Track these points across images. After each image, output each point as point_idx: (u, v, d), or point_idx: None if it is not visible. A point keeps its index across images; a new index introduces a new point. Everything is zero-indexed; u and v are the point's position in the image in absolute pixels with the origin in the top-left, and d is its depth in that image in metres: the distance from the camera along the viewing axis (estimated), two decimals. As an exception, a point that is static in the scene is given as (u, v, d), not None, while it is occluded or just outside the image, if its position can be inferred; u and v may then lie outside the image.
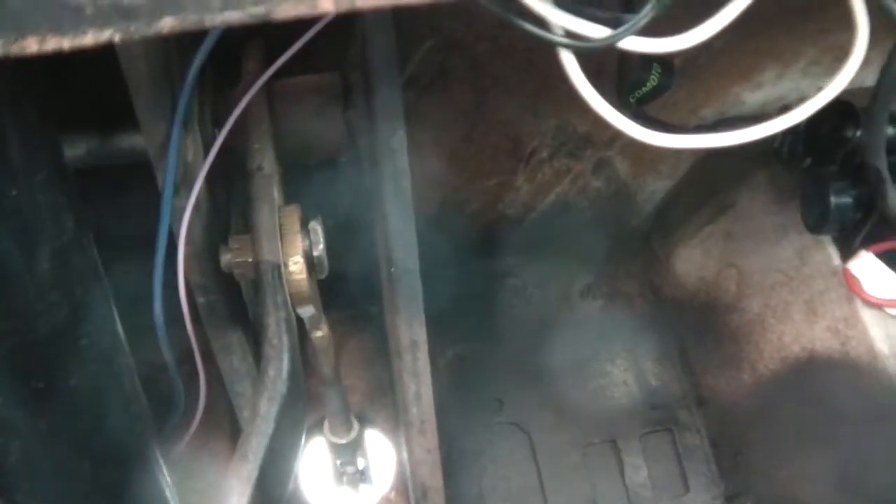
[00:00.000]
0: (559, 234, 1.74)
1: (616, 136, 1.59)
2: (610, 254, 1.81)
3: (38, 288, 0.85)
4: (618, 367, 1.72)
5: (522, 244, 1.74)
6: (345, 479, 1.54)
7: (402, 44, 1.37)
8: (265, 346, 0.88)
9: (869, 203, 1.35)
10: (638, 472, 1.62)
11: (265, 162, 1.04)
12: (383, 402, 1.57)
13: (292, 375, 0.88)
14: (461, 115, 1.47)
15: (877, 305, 1.37)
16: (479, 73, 1.42)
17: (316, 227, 1.01)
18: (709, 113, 1.55)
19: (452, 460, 1.55)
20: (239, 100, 1.08)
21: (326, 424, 1.41)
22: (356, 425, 1.43)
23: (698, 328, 1.68)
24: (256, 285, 0.97)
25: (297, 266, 0.98)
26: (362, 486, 1.57)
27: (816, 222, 1.40)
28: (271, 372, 0.86)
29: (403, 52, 1.39)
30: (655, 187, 1.71)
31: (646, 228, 1.79)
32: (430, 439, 1.21)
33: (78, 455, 0.95)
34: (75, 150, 1.07)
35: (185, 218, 0.95)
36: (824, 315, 1.44)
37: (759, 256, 1.56)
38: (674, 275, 1.74)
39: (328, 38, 1.13)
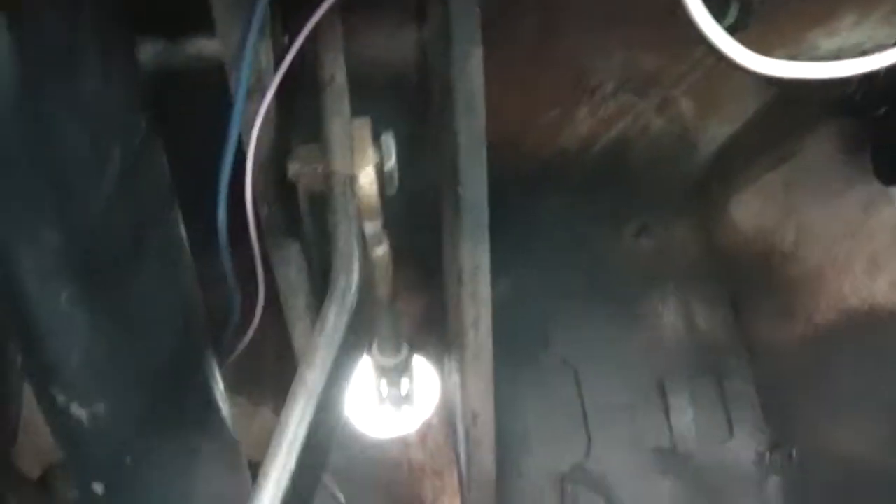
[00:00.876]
0: (617, 172, 1.71)
1: (684, 75, 1.55)
2: (667, 196, 1.77)
3: (108, 185, 0.84)
4: (668, 309, 1.70)
5: (578, 181, 1.71)
6: (388, 399, 1.54)
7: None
8: (335, 256, 0.87)
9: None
10: (683, 415, 1.60)
11: (338, 73, 1.02)
12: (431, 329, 1.56)
13: (361, 290, 0.87)
14: (527, 43, 1.44)
15: (943, 261, 1.35)
16: (547, 2, 1.39)
17: (388, 140, 0.99)
18: (781, 57, 1.51)
19: (497, 394, 1.54)
20: (314, 7, 1.06)
21: (375, 345, 1.41)
22: (405, 348, 1.42)
23: (753, 276, 1.66)
24: (322, 197, 0.96)
25: (367, 179, 0.96)
26: (405, 408, 1.57)
27: (890, 173, 1.37)
28: (342, 283, 0.85)
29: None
30: (718, 131, 1.67)
31: (705, 173, 1.75)
32: (485, 366, 1.20)
33: (138, 360, 0.94)
34: (144, 52, 1.06)
35: (255, 125, 0.94)
36: (887, 269, 1.41)
37: (822, 207, 1.54)
38: (731, 221, 1.71)
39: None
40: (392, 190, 1.02)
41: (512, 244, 1.68)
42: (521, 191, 1.66)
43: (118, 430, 0.98)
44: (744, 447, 1.59)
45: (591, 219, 1.73)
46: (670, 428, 1.59)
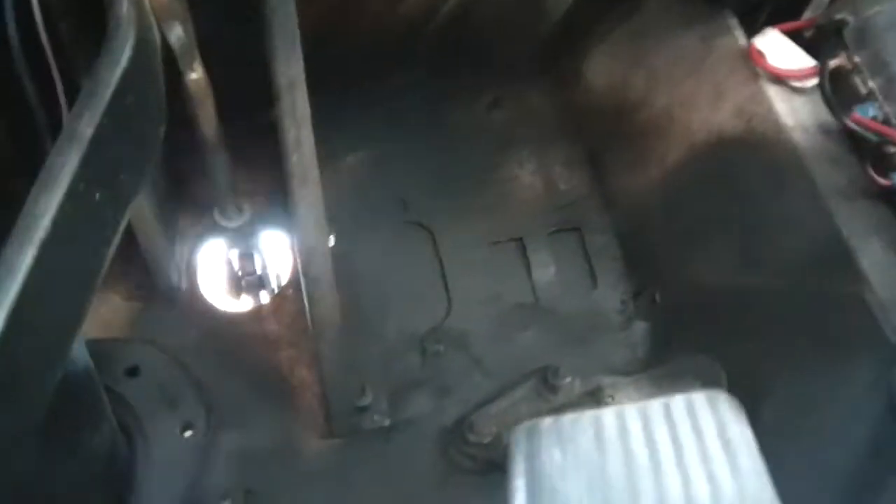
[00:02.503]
0: (463, 44, 1.68)
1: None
2: (517, 66, 1.75)
3: None
4: (525, 170, 1.68)
5: (427, 55, 1.68)
6: (243, 283, 1.50)
7: None
8: (109, 22, 0.82)
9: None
10: (545, 269, 1.58)
11: None
12: (281, 202, 1.51)
13: (141, 55, 0.82)
14: None
15: (782, 77, 1.34)
16: None
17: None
18: None
19: (354, 259, 1.51)
20: None
21: (215, 209, 1.36)
22: (247, 209, 1.38)
23: (608, 131, 1.65)
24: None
25: (154, -35, 0.92)
26: (262, 293, 1.53)
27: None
28: (113, 42, 0.80)
29: None
30: (562, -8, 1.66)
31: (555, 38, 1.73)
32: (313, 192, 1.15)
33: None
34: None
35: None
36: (730, 97, 1.41)
37: (666, 50, 1.53)
38: (584, 82, 1.70)
39: None
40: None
41: (364, 116, 1.65)
42: (372, 67, 1.62)
43: None
44: (607, 298, 1.57)
45: (441, 93, 1.70)
46: (533, 283, 1.57)
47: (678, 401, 1.09)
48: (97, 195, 0.76)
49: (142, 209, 1.26)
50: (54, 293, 0.73)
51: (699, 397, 1.09)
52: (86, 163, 0.73)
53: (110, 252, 0.82)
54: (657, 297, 1.53)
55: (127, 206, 0.84)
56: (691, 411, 1.07)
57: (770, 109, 1.34)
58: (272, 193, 1.49)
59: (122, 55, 0.80)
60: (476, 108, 1.74)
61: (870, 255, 1.17)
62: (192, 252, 1.50)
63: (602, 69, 1.66)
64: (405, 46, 1.66)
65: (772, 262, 1.33)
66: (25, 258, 0.67)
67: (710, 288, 1.43)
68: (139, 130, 0.85)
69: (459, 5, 1.62)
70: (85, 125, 0.75)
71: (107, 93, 0.77)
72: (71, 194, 0.71)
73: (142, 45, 0.83)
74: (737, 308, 1.38)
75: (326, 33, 1.57)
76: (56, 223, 0.70)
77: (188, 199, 1.51)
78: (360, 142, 1.64)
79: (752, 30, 1.41)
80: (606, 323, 1.55)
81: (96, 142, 0.75)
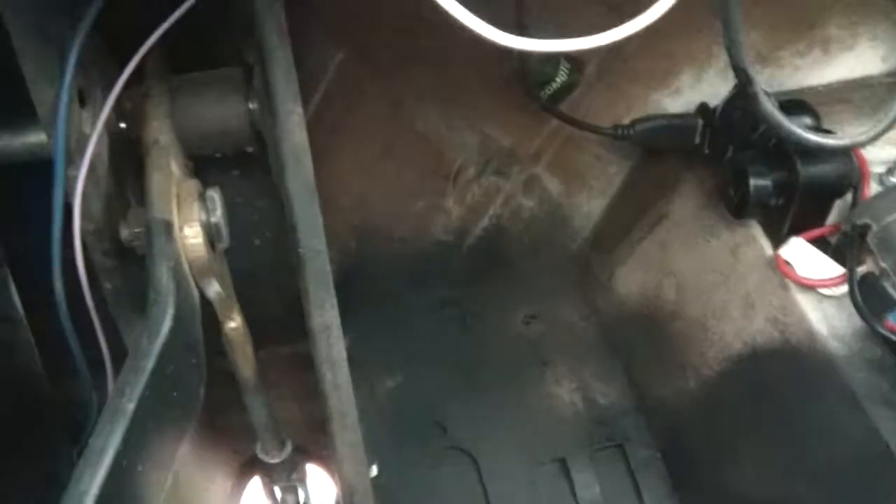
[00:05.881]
0: (497, 261, 1.72)
1: (540, 150, 1.60)
2: (550, 281, 1.78)
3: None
4: (564, 388, 1.67)
5: (459, 274, 1.72)
6: (282, 504, 1.49)
7: (312, 61, 1.40)
8: (149, 292, 0.86)
9: (788, 183, 1.35)
10: (590, 489, 1.55)
11: (161, 136, 1.04)
12: (323, 434, 1.52)
13: (180, 324, 0.85)
14: (379, 130, 1.48)
15: (810, 287, 1.35)
16: (392, 87, 1.43)
17: (213, 195, 1.00)
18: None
19: (396, 488, 1.50)
20: (144, 94, 1.09)
21: (258, 444, 1.37)
22: (289, 444, 1.38)
23: (642, 342, 1.65)
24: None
25: (192, 230, 0.96)
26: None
27: (739, 206, 1.40)
28: (154, 312, 0.83)
29: (315, 68, 1.41)
30: (590, 207, 1.71)
31: (585, 252, 1.77)
32: (352, 432, 1.16)
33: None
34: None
35: (78, 186, 0.94)
36: (762, 307, 1.41)
37: (694, 260, 1.55)
38: (616, 295, 1.72)
39: (229, 33, 1.15)
40: (222, 243, 1.02)
41: (400, 338, 1.68)
42: (403, 284, 1.66)
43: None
44: (654, 514, 1.55)
45: (477, 312, 1.73)
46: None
47: None
48: (139, 467, 0.78)
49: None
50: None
51: None
52: (128, 438, 0.75)
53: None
54: (703, 517, 1.51)
55: (169, 469, 0.85)
56: None
57: (802, 318, 1.34)
58: (313, 427, 1.51)
59: (163, 327, 0.83)
60: (512, 323, 1.76)
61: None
62: (235, 487, 1.50)
63: (633, 280, 1.69)
64: (436, 266, 1.71)
65: (813, 472, 1.31)
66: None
67: (755, 502, 1.40)
68: (181, 395, 0.87)
69: (490, 226, 1.68)
70: (127, 401, 0.77)
71: (148, 366, 0.80)
72: (114, 472, 0.73)
73: (182, 311, 0.86)
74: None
75: (358, 260, 1.63)
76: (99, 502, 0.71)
77: (226, 429, 1.53)
78: (395, 362, 1.66)
79: (777, 237, 1.43)
80: (655, 544, 1.52)
81: (138, 416, 0.76)
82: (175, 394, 0.86)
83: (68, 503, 0.71)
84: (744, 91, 1.19)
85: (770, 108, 1.21)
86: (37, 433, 1.02)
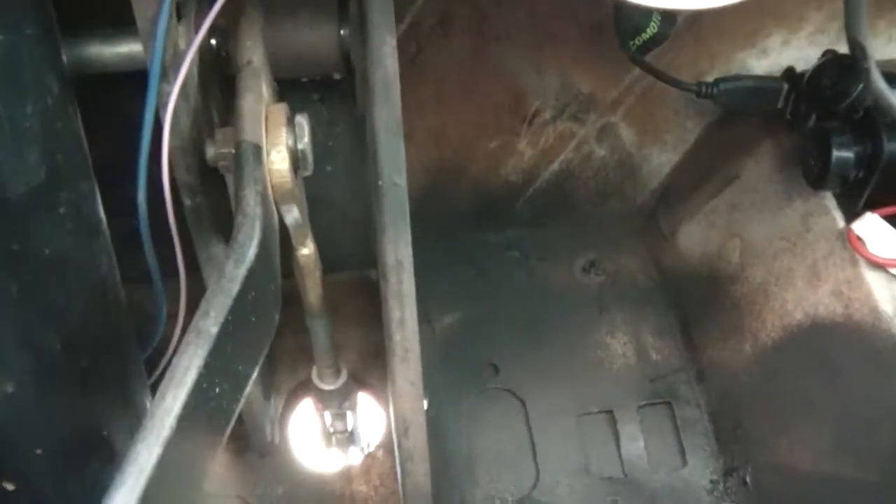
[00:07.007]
0: (563, 206, 1.72)
1: (619, 98, 1.58)
2: (614, 230, 1.78)
3: (16, 144, 0.84)
4: (617, 339, 1.68)
5: (524, 216, 1.72)
6: (334, 440, 1.51)
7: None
8: (237, 216, 0.86)
9: (871, 158, 1.33)
10: (634, 443, 1.57)
11: (255, 57, 1.03)
12: (376, 363, 1.53)
13: (264, 251, 0.86)
14: (462, 66, 1.46)
15: (881, 265, 1.34)
16: (481, 22, 1.42)
17: (301, 121, 1.00)
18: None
19: (444, 422, 1.52)
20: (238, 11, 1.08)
21: (314, 369, 1.39)
22: (344, 372, 1.40)
23: (701, 302, 1.65)
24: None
25: (279, 155, 0.96)
26: (351, 449, 1.53)
27: (817, 177, 1.38)
28: (241, 237, 0.83)
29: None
30: (661, 160, 1.69)
31: (651, 205, 1.76)
32: (414, 369, 1.17)
33: (46, 330, 0.92)
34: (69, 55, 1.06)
35: (170, 102, 0.94)
36: (827, 279, 1.40)
37: (763, 225, 1.54)
38: (678, 251, 1.71)
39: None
40: (307, 170, 1.02)
41: (461, 276, 1.69)
42: (470, 225, 1.66)
43: (29, 415, 0.96)
44: (697, 475, 1.55)
45: (539, 256, 1.74)
46: (621, 457, 1.56)
47: None
48: (217, 389, 0.79)
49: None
50: (174, 487, 0.75)
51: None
52: (210, 361, 0.76)
53: (223, 439, 0.84)
54: (748, 479, 1.51)
55: (242, 395, 0.86)
56: None
57: (869, 295, 1.33)
58: (368, 356, 1.53)
59: (250, 252, 0.83)
60: (573, 269, 1.76)
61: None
62: (286, 408, 1.52)
63: (698, 238, 1.68)
64: (503, 207, 1.70)
65: (867, 451, 1.30)
66: (151, 458, 0.69)
67: (802, 474, 1.40)
68: (259, 322, 0.88)
69: (560, 171, 1.66)
70: (212, 324, 0.77)
71: (233, 290, 0.80)
72: (195, 391, 0.74)
73: (266, 238, 0.87)
74: (828, 498, 1.35)
75: (427, 195, 1.62)
76: (181, 420, 0.72)
77: (283, 352, 1.55)
78: (454, 300, 1.67)
79: (851, 211, 1.41)
80: (695, 502, 1.53)
81: (220, 339, 0.77)
82: (253, 318, 0.86)
83: (152, 420, 0.72)
84: (856, 64, 1.17)
85: (884, 85, 1.19)
86: (111, 339, 1.03)
